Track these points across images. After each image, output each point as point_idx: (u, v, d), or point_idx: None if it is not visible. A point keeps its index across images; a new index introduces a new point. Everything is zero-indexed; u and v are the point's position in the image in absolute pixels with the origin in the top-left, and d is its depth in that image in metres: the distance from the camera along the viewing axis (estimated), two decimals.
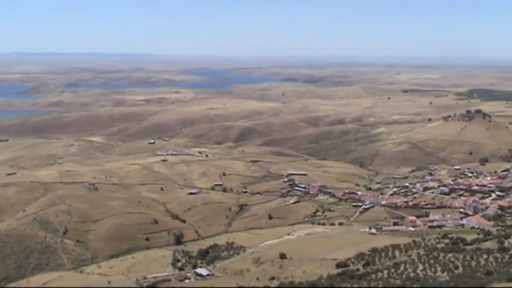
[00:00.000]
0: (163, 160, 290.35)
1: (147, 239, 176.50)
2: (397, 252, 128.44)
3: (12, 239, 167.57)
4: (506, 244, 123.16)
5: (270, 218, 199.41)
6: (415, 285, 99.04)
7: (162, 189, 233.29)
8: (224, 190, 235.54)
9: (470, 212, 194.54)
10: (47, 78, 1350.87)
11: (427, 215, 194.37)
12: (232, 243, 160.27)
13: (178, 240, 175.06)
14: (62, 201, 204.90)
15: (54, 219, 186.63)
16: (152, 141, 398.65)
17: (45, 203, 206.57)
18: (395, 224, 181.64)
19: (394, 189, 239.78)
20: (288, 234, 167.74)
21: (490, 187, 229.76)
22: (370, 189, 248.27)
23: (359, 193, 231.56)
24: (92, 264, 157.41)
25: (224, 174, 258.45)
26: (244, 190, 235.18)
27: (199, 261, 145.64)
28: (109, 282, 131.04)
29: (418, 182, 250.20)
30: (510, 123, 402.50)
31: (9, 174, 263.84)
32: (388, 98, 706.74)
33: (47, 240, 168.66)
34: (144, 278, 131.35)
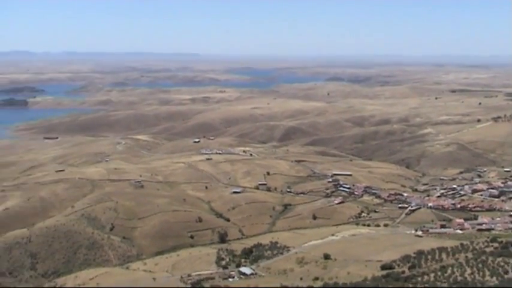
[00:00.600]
0: (208, 159, 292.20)
1: (192, 237, 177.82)
2: (444, 255, 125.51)
3: (61, 235, 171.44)
4: None
5: (314, 218, 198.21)
6: None
7: (206, 187, 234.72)
8: (268, 189, 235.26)
9: None
10: (95, 77, 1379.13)
11: (476, 218, 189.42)
12: (276, 242, 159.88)
13: (222, 238, 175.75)
14: (109, 198, 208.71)
15: (101, 216, 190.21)
16: (197, 140, 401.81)
17: (92, 199, 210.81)
18: (442, 226, 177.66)
19: (442, 191, 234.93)
20: (332, 234, 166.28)
21: None
22: (416, 190, 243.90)
23: (405, 194, 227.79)
24: (138, 260, 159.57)
25: (268, 173, 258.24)
26: (289, 190, 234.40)
27: (243, 260, 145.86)
28: (154, 279, 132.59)
29: (466, 184, 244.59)
30: None
31: (58, 171, 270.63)
32: (436, 98, 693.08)
33: (94, 236, 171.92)
34: (189, 275, 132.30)
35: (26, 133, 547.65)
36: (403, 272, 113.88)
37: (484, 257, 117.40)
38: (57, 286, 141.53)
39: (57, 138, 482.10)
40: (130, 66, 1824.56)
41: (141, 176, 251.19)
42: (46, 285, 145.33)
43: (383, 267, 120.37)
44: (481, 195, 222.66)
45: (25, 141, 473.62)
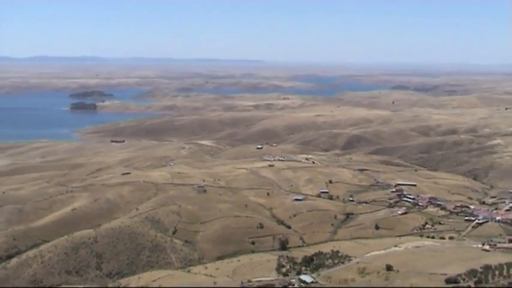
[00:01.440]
0: (270, 165, 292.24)
1: (253, 243, 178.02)
2: None
3: (125, 236, 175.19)
4: None
5: (377, 228, 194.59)
6: None
7: (268, 194, 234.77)
8: (330, 198, 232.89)
9: None
10: (161, 82, 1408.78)
11: None
12: (338, 251, 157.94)
13: (283, 245, 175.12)
14: (173, 202, 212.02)
15: (164, 219, 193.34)
16: (260, 146, 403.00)
17: (156, 202, 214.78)
18: (511, 241, 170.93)
19: (511, 205, 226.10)
20: (395, 245, 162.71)
21: None
22: (484, 203, 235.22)
23: (472, 207, 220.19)
24: (199, 264, 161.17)
25: (331, 181, 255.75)
26: (351, 199, 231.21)
27: (303, 268, 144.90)
28: (215, 283, 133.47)
29: None
30: None
31: (124, 173, 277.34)
32: (506, 109, 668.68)
33: (157, 239, 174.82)
34: (249, 281, 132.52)
35: (94, 136, 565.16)
36: (469, 287, 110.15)
37: None
38: (121, 286, 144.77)
39: (123, 141, 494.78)
40: (196, 73, 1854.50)
41: (204, 180, 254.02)
42: (110, 285, 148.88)
43: (448, 281, 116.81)
44: None
45: (93, 144, 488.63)
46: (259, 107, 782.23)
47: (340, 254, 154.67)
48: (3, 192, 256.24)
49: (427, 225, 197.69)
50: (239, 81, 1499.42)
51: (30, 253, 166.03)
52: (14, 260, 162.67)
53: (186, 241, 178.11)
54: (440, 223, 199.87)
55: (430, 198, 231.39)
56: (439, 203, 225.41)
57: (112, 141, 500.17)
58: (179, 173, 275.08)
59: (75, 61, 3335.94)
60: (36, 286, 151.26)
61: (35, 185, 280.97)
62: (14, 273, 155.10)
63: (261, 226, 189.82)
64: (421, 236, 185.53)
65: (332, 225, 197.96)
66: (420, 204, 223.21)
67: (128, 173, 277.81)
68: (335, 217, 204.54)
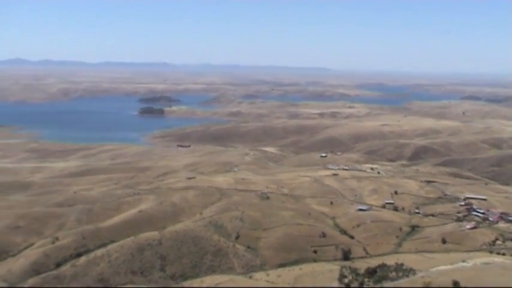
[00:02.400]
0: (334, 174, 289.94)
1: (315, 252, 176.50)
2: None
3: (189, 239, 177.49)
4: None
5: (444, 242, 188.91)
6: None
7: (331, 203, 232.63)
8: (395, 209, 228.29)
9: None
10: (227, 89, 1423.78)
11: None
12: (402, 264, 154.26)
13: (346, 255, 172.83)
14: (236, 208, 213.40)
15: (227, 224, 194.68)
16: (324, 154, 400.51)
17: (220, 207, 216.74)
18: None
19: None
20: (463, 261, 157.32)
21: None
22: None
23: None
24: (261, 271, 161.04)
25: (396, 192, 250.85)
26: (417, 211, 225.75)
27: (366, 280, 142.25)
28: None
29: None
30: None
31: (189, 178, 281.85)
32: None
33: (220, 244, 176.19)
34: None
35: (161, 140, 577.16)
36: None
37: None
38: None
39: (189, 146, 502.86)
40: (262, 80, 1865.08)
41: (267, 187, 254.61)
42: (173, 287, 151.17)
43: None
44: None
45: (160, 148, 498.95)
46: (324, 115, 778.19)
47: (404, 267, 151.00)
48: (75, 192, 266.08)
49: (498, 242, 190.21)
50: (305, 89, 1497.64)
51: (98, 252, 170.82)
52: (83, 258, 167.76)
53: (249, 247, 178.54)
54: None
55: (502, 213, 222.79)
56: (511, 218, 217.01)
57: (178, 145, 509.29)
58: (243, 179, 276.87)
59: (145, 67, 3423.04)
60: (103, 286, 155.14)
61: (104, 186, 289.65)
62: (83, 271, 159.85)
63: (324, 235, 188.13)
64: (491, 252, 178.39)
65: (397, 237, 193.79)
66: (490, 219, 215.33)
67: (193, 178, 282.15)
68: (400, 229, 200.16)
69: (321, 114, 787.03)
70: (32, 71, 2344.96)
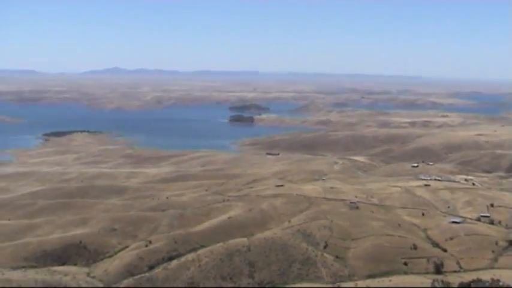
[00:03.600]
0: (425, 185, 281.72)
1: (405, 264, 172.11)
2: None
3: (277, 247, 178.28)
4: None
5: None
6: None
7: (423, 214, 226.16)
8: (491, 222, 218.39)
9: None
10: (316, 97, 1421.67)
11: None
12: (498, 280, 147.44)
13: (438, 269, 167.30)
14: (324, 217, 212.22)
15: (316, 233, 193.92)
16: (415, 164, 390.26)
17: (308, 216, 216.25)
18: None
19: None
20: None
21: None
22: None
23: None
24: (349, 281, 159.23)
25: (492, 205, 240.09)
26: None
27: None
28: None
29: None
30: None
31: (278, 186, 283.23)
32: None
33: (308, 252, 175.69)
34: None
35: (251, 148, 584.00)
36: None
37: None
38: None
39: (278, 154, 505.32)
40: (351, 88, 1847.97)
41: (356, 197, 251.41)
42: None
43: None
44: None
45: (249, 156, 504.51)
46: (416, 124, 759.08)
47: (501, 284, 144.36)
48: (167, 198, 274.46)
49: None
50: (395, 98, 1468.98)
51: (189, 256, 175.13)
52: (174, 262, 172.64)
53: (337, 257, 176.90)
54: None
55: None
56: None
57: (267, 153, 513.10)
58: (332, 187, 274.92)
59: (235, 75, 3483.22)
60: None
61: (195, 192, 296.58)
62: (174, 275, 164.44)
63: (415, 247, 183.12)
64: None
65: (492, 251, 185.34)
66: None
67: (281, 186, 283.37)
68: (496, 243, 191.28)
69: (413, 123, 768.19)
70: (128, 80, 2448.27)
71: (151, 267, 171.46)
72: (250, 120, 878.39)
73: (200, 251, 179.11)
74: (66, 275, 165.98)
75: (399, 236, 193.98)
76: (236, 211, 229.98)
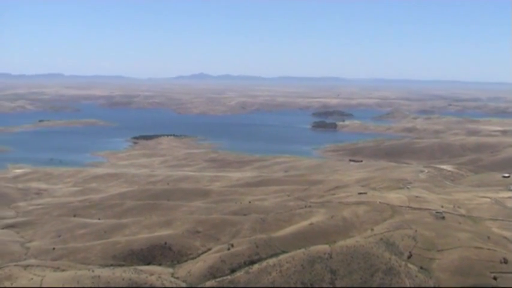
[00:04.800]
0: None
1: (495, 278, 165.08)
2: None
3: (360, 255, 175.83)
4: None
5: None
6: None
7: None
8: None
9: None
10: (401, 104, 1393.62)
11: None
12: None
13: None
14: (408, 226, 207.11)
15: (399, 243, 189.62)
16: (507, 175, 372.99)
17: (391, 225, 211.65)
18: None
19: None
20: None
21: None
22: None
23: None
24: None
25: None
26: None
27: None
28: None
29: None
30: None
31: (360, 193, 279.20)
32: None
33: (392, 262, 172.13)
34: None
35: (333, 154, 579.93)
36: None
37: None
38: None
39: (361, 161, 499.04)
40: (437, 95, 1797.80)
41: (442, 206, 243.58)
42: None
43: None
44: None
45: (332, 162, 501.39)
46: (508, 133, 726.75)
47: None
48: (249, 202, 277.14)
49: None
50: (485, 105, 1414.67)
51: (270, 261, 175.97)
52: (255, 266, 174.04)
53: (421, 267, 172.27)
54: None
55: None
56: None
57: (350, 160, 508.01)
58: (416, 196, 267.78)
59: (318, 81, 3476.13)
60: None
61: (277, 197, 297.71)
62: (255, 279, 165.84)
63: (505, 261, 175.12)
64: None
65: None
66: None
67: (364, 193, 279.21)
68: None
69: (504, 132, 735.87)
70: (214, 85, 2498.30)
71: (233, 270, 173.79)
72: (333, 126, 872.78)
73: (281, 256, 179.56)
74: (151, 274, 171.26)
75: (488, 249, 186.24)
76: (318, 217, 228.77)
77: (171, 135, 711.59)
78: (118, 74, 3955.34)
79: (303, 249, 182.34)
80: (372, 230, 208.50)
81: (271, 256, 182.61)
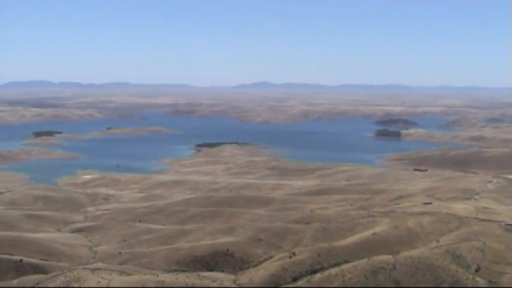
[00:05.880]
0: None
1: None
2: None
3: (424, 267, 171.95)
4: None
5: None
6: None
7: None
8: None
9: None
10: (468, 112, 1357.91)
11: None
12: None
13: None
14: (476, 238, 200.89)
15: (466, 255, 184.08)
16: None
17: (458, 236, 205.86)
18: None
19: None
20: None
21: None
22: None
23: None
24: None
25: None
26: None
27: None
28: None
29: None
30: None
31: (425, 203, 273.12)
32: None
33: (458, 275, 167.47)
34: None
35: (397, 163, 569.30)
36: None
37: None
38: None
39: (426, 170, 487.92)
40: (507, 102, 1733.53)
41: None
42: None
43: None
44: None
45: (395, 171, 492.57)
46: None
47: None
48: (311, 211, 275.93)
49: None
50: None
51: (333, 271, 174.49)
52: (317, 275, 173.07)
53: (490, 281, 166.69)
54: None
55: None
56: None
57: (415, 169, 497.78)
58: (485, 207, 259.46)
59: (381, 89, 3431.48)
60: None
61: (339, 206, 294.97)
62: None
63: None
64: None
65: None
66: None
67: (429, 203, 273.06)
68: None
69: None
70: (276, 94, 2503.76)
71: (295, 279, 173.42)
72: (397, 134, 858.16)
73: (344, 266, 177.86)
74: (214, 281, 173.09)
75: None
76: (381, 227, 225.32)
77: (233, 143, 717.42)
78: (182, 82, 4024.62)
79: (365, 259, 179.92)
80: (438, 241, 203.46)
81: (334, 266, 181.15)
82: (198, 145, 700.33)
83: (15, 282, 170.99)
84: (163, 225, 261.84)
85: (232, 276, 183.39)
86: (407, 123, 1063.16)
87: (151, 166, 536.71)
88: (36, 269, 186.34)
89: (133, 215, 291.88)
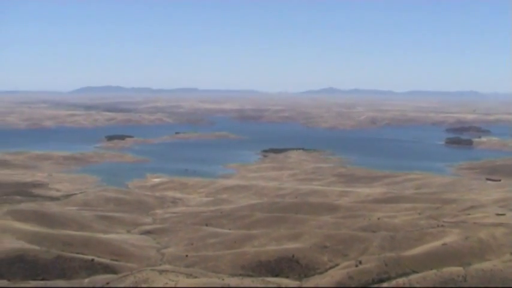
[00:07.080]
0: None
1: None
2: None
3: (497, 280, 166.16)
4: None
5: None
6: None
7: None
8: None
9: None
10: None
11: None
12: None
13: None
14: None
15: None
16: None
17: None
18: None
19: None
20: None
21: None
22: None
23: None
24: None
25: None
26: None
27: None
28: None
29: None
30: None
31: (498, 214, 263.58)
32: None
33: None
34: None
35: (468, 172, 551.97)
36: None
37: None
38: None
39: (499, 180, 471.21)
40: None
41: None
42: None
43: None
44: None
45: (466, 180, 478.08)
46: None
47: None
48: (378, 219, 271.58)
49: None
50: None
51: (400, 281, 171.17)
52: (384, 285, 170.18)
53: None
54: None
55: None
56: None
57: (487, 179, 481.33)
58: None
59: (452, 96, 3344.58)
60: None
61: (408, 215, 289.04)
62: None
63: None
64: None
65: None
66: None
67: (502, 214, 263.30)
68: None
69: None
70: (343, 100, 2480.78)
71: None
72: (469, 143, 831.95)
73: (412, 276, 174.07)
74: (279, 286, 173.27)
75: None
76: (451, 238, 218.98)
77: (299, 148, 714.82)
78: (250, 88, 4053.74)
79: (434, 271, 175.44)
80: (511, 253, 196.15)
81: (401, 275, 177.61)
82: (264, 150, 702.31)
83: (86, 281, 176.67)
84: (229, 229, 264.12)
85: (297, 283, 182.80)
86: (480, 131, 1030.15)
87: (218, 170, 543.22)
88: (107, 269, 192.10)
89: (200, 218, 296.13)
